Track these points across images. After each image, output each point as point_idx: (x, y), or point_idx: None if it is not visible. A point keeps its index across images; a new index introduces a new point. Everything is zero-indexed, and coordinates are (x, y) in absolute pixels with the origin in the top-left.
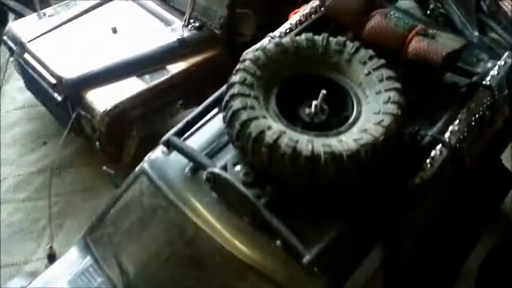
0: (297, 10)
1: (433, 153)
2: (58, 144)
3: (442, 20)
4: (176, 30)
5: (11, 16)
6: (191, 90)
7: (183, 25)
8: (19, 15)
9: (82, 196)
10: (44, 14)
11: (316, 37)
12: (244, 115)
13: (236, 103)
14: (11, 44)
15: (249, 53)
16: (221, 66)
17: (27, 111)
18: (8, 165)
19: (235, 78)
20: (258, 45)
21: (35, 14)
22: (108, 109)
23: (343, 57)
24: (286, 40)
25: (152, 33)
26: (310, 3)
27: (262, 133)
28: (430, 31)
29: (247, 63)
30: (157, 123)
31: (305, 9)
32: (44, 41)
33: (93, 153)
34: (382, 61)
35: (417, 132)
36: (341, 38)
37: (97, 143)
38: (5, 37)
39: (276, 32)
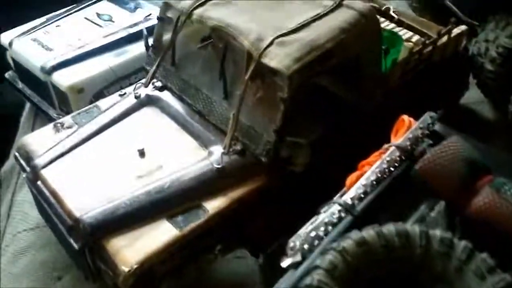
0: (370, 160)
1: None
2: (74, 279)
3: None
4: (213, 154)
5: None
6: (232, 230)
7: (223, 153)
8: (35, 105)
9: None
10: (62, 125)
11: (411, 230)
12: None
13: None
14: (23, 163)
15: (318, 259)
16: (267, 199)
17: (40, 233)
18: None
19: None
20: (325, 219)
21: (52, 125)
22: (133, 268)
23: (451, 263)
24: (370, 234)
25: (186, 157)
26: (389, 153)
27: None
28: None
29: (320, 275)
30: (192, 274)
31: (382, 161)
32: (60, 167)
33: None
34: (509, 278)
35: None
36: (447, 236)
37: None
38: (16, 153)
39: (347, 197)
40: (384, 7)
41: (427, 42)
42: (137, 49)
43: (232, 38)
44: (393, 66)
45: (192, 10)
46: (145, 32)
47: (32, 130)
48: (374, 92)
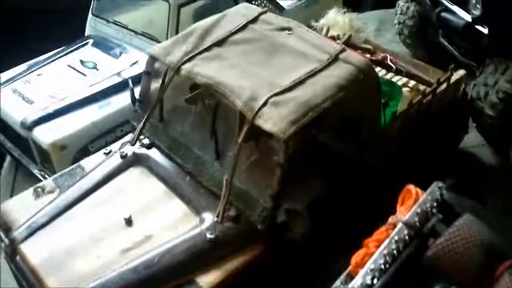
0: (376, 238)
1: None
2: None
3: None
4: (205, 221)
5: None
6: None
7: (216, 221)
8: (15, 159)
9: None
10: (43, 190)
11: None
12: None
13: None
14: (1, 234)
15: None
16: (264, 269)
17: None
18: None
19: None
20: None
21: (32, 189)
22: None
23: None
24: None
25: (176, 225)
26: (396, 230)
27: None
28: None
29: None
30: None
31: (390, 241)
32: (41, 240)
33: None
34: None
35: None
36: None
37: None
38: None
39: (354, 285)
40: (381, 55)
41: (426, 91)
42: (122, 100)
43: (223, 97)
44: (392, 119)
45: (181, 65)
46: (131, 85)
47: (13, 184)
48: (373, 147)
